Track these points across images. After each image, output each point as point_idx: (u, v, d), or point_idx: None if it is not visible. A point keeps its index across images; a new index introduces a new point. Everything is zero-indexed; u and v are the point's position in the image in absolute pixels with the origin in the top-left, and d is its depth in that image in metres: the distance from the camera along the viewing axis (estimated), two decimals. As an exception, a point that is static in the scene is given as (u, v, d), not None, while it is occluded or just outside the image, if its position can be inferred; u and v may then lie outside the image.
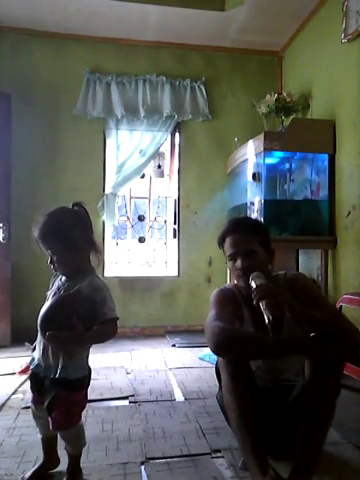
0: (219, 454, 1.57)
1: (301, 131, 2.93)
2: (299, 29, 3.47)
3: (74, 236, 1.31)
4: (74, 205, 1.39)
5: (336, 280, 2.90)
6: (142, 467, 1.48)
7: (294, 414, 1.31)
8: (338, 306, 2.26)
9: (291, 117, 3.19)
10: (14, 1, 3.13)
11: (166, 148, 3.92)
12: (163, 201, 4.03)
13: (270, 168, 3.13)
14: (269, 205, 2.93)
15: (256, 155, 3.02)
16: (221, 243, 1.53)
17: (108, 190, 3.63)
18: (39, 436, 1.43)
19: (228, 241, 1.49)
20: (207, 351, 2.82)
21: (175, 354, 3.02)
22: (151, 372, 2.59)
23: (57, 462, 1.44)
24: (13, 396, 2.17)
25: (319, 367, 1.29)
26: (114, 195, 3.62)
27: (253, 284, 1.32)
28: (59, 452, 1.44)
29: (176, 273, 3.80)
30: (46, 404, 1.29)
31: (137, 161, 3.67)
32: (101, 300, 1.29)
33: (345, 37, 2.75)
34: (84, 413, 1.40)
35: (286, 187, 3.34)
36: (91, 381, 1.38)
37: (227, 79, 3.86)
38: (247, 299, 1.38)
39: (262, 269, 1.42)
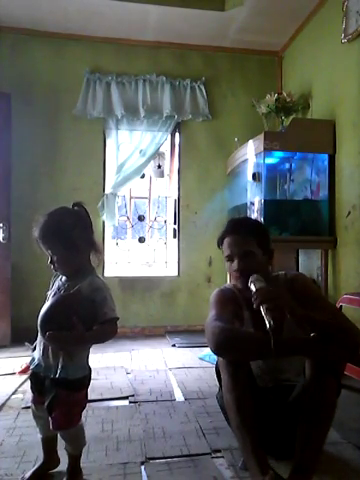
0: (219, 454, 1.57)
1: (301, 131, 2.93)
2: (299, 29, 3.47)
3: (74, 236, 1.30)
4: (74, 205, 1.39)
5: (336, 280, 2.90)
6: (142, 467, 1.48)
7: (294, 414, 1.31)
8: (338, 306, 2.26)
9: (291, 117, 3.19)
10: (14, 1, 3.13)
11: (166, 148, 3.92)
12: (163, 201, 4.03)
13: (270, 168, 3.13)
14: (269, 205, 2.93)
15: (256, 155, 3.02)
16: (220, 244, 1.53)
17: (108, 190, 3.63)
18: (39, 436, 1.43)
19: (226, 242, 1.49)
20: (207, 351, 2.82)
21: (175, 354, 3.02)
22: (151, 372, 2.59)
23: (57, 462, 1.44)
24: (13, 396, 2.17)
25: (320, 367, 1.29)
26: (114, 195, 3.62)
27: (253, 287, 1.31)
28: (59, 452, 1.44)
29: (176, 273, 3.80)
30: (46, 404, 1.29)
31: (137, 161, 3.67)
32: (101, 300, 1.29)
33: (345, 37, 2.75)
34: (84, 413, 1.40)
35: (286, 187, 3.34)
36: (91, 381, 1.38)
37: (227, 79, 3.86)
38: (247, 299, 1.38)
39: (259, 270, 1.41)
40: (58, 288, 1.37)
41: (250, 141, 3.10)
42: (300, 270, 3.40)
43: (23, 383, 2.33)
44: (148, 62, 3.71)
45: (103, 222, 3.63)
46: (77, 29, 3.52)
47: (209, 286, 3.72)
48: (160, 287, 3.75)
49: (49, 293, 1.40)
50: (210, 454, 1.57)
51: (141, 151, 3.69)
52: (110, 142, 3.70)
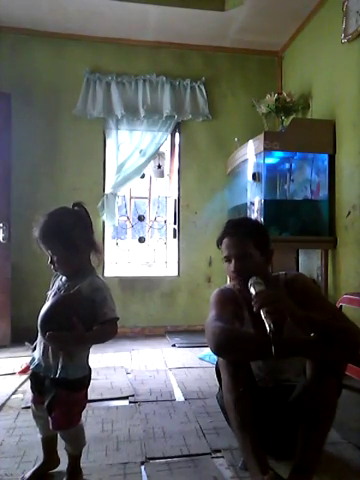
0: (219, 454, 1.57)
1: (301, 131, 2.93)
2: (299, 29, 3.47)
3: (74, 236, 1.30)
4: (74, 205, 1.39)
5: (336, 280, 2.90)
6: (142, 467, 1.48)
7: (294, 414, 1.31)
8: (338, 306, 2.26)
9: (291, 117, 3.19)
10: (14, 1, 3.13)
11: (166, 148, 3.92)
12: (163, 201, 4.03)
13: (270, 168, 3.13)
14: (269, 205, 2.93)
15: (256, 155, 3.02)
16: (219, 244, 1.53)
17: (108, 190, 3.63)
18: (39, 436, 1.43)
19: (224, 243, 1.49)
20: (207, 351, 2.82)
21: (175, 354, 3.02)
22: (151, 372, 2.59)
23: (57, 462, 1.44)
24: (13, 396, 2.17)
25: (320, 368, 1.29)
26: (114, 195, 3.62)
27: (252, 290, 1.31)
28: (59, 452, 1.44)
29: (176, 273, 3.80)
30: (46, 404, 1.29)
31: (137, 161, 3.67)
32: (101, 300, 1.29)
33: (345, 37, 2.75)
34: (84, 413, 1.40)
35: (286, 187, 3.34)
36: (91, 381, 1.38)
37: (227, 79, 3.86)
38: (247, 299, 1.38)
39: (257, 271, 1.41)
40: (58, 288, 1.37)
41: (250, 141, 3.10)
42: (300, 270, 3.40)
43: (23, 383, 2.33)
44: (148, 62, 3.71)
45: (103, 222, 3.63)
46: (77, 29, 3.52)
47: (209, 286, 3.72)
48: (160, 287, 3.75)
49: (49, 293, 1.40)
50: (210, 454, 1.57)
51: (141, 151, 3.69)
52: (110, 142, 3.70)
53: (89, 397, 1.42)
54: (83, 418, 1.40)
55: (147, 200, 4.01)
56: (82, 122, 3.59)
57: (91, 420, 1.85)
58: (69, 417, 1.30)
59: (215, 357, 1.50)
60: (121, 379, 2.44)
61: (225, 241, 1.49)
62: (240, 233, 1.47)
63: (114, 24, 3.45)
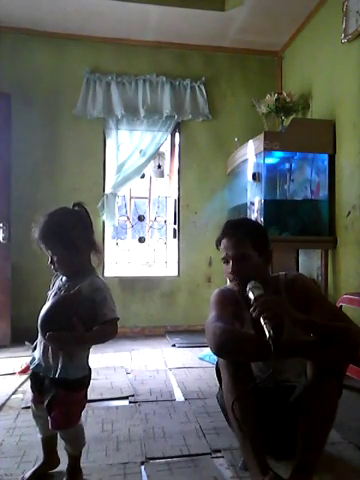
0: (219, 454, 1.57)
1: (301, 131, 2.93)
2: (299, 29, 3.47)
3: (74, 236, 1.30)
4: (74, 205, 1.39)
5: (336, 280, 2.90)
6: (142, 467, 1.48)
7: (295, 414, 1.31)
8: (338, 306, 2.26)
9: (291, 117, 3.19)
10: (14, 1, 3.13)
11: (166, 148, 3.92)
12: (163, 201, 4.03)
13: (270, 168, 3.13)
14: (269, 205, 2.93)
15: (256, 155, 3.02)
16: (218, 245, 1.53)
17: (108, 190, 3.63)
18: (39, 436, 1.43)
19: (222, 244, 1.49)
20: (207, 351, 2.82)
21: (175, 354, 3.02)
22: (151, 372, 2.59)
23: (57, 462, 1.44)
24: (13, 396, 2.17)
25: (321, 368, 1.29)
26: (114, 195, 3.62)
27: (251, 295, 1.30)
28: (59, 452, 1.44)
29: (176, 273, 3.80)
30: (46, 403, 1.29)
31: (137, 161, 3.67)
32: (101, 300, 1.29)
33: (345, 37, 2.75)
34: (84, 413, 1.40)
35: (286, 187, 3.34)
36: (91, 381, 1.38)
37: (227, 79, 3.86)
38: (247, 300, 1.38)
39: (255, 273, 1.41)
40: (59, 288, 1.37)
41: (250, 141, 3.10)
42: (300, 270, 3.40)
43: (23, 383, 2.33)
44: (148, 62, 3.71)
45: (103, 222, 3.63)
46: (77, 29, 3.52)
47: (209, 286, 3.72)
48: (160, 287, 3.75)
49: (50, 293, 1.41)
50: (210, 454, 1.57)
51: (141, 151, 3.69)
52: (110, 142, 3.70)
53: (89, 397, 1.42)
54: (83, 418, 1.40)
55: (147, 200, 4.01)
56: (82, 122, 3.59)
57: (91, 420, 1.85)
58: (68, 417, 1.30)
59: (215, 357, 1.50)
60: (121, 379, 2.44)
61: (223, 242, 1.48)
62: (238, 234, 1.47)
63: (114, 24, 3.45)
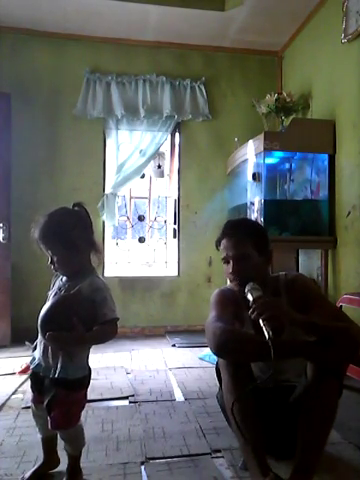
0: (219, 454, 1.57)
1: (301, 131, 2.93)
2: (299, 29, 3.47)
3: (74, 236, 1.30)
4: (74, 205, 1.39)
5: (336, 280, 2.90)
6: (142, 467, 1.48)
7: (295, 414, 1.31)
8: (338, 306, 2.26)
9: (291, 117, 3.19)
10: (14, 1, 3.13)
11: (166, 148, 3.92)
12: (163, 201, 4.03)
13: (270, 168, 3.13)
14: (269, 205, 2.93)
15: (256, 155, 3.02)
16: (218, 245, 1.53)
17: (108, 190, 3.63)
18: (39, 436, 1.44)
19: (222, 244, 1.49)
20: (207, 351, 2.82)
21: (175, 354, 3.02)
22: (151, 372, 2.59)
23: (57, 462, 1.45)
24: (13, 396, 2.17)
25: (321, 368, 1.28)
26: (114, 195, 3.62)
27: (250, 297, 1.30)
28: (59, 452, 1.44)
29: (176, 273, 3.80)
30: (45, 403, 1.29)
31: (137, 161, 3.67)
32: (101, 300, 1.29)
33: (345, 37, 2.75)
34: (84, 413, 1.40)
35: (286, 187, 3.34)
36: (91, 381, 1.38)
37: (227, 79, 3.86)
38: (247, 300, 1.38)
39: (255, 273, 1.41)
40: (59, 288, 1.37)
41: (250, 141, 3.10)
42: (300, 270, 3.40)
43: (23, 383, 2.33)
44: (148, 62, 3.71)
45: (103, 222, 3.63)
46: (77, 29, 3.52)
47: (209, 286, 3.72)
48: (160, 287, 3.75)
49: (50, 293, 1.41)
50: (210, 454, 1.57)
51: (141, 151, 3.69)
52: (110, 142, 3.70)
53: (89, 397, 1.43)
54: (83, 418, 1.40)
55: (147, 200, 4.01)
56: (82, 122, 3.59)
57: (91, 420, 1.85)
58: (68, 417, 1.30)
59: (215, 357, 1.50)
60: (121, 379, 2.44)
61: (223, 242, 1.48)
62: (239, 234, 1.47)
63: (114, 24, 3.45)
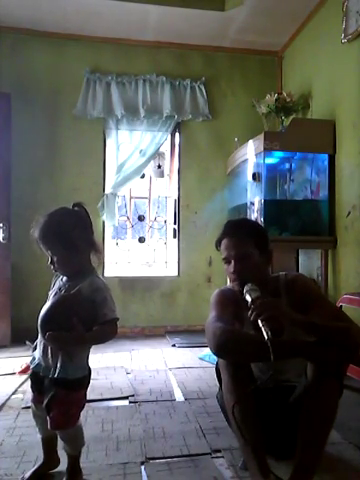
0: (219, 454, 1.57)
1: (301, 131, 2.93)
2: (299, 29, 3.47)
3: (74, 236, 1.31)
4: (74, 205, 1.39)
5: (336, 280, 2.90)
6: (142, 467, 1.48)
7: (295, 414, 1.30)
8: (338, 306, 2.26)
9: (291, 117, 3.19)
10: (14, 1, 3.13)
11: (166, 148, 3.92)
12: (163, 201, 4.03)
13: (270, 168, 3.13)
14: (269, 205, 2.93)
15: (256, 155, 3.02)
16: (218, 246, 1.53)
17: (108, 190, 3.63)
18: (39, 436, 1.44)
19: (223, 244, 1.49)
20: (207, 351, 2.82)
21: (175, 354, 3.02)
22: (151, 372, 2.59)
23: (57, 462, 1.45)
24: (13, 396, 2.17)
25: (321, 369, 1.28)
26: (114, 195, 3.62)
27: (248, 297, 1.30)
28: (59, 452, 1.44)
29: (176, 273, 3.80)
30: (45, 403, 1.29)
31: (137, 161, 3.67)
32: (101, 301, 1.29)
33: (345, 37, 2.75)
34: (84, 413, 1.40)
35: (286, 187, 3.34)
36: (91, 381, 1.38)
37: (227, 79, 3.86)
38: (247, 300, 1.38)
39: (257, 273, 1.42)
40: (59, 288, 1.37)
41: (250, 141, 3.10)
42: (300, 270, 3.40)
43: (23, 383, 2.33)
44: (148, 62, 3.71)
45: (103, 222, 3.63)
46: (76, 29, 3.52)
47: (209, 286, 3.72)
48: (160, 287, 3.75)
49: (50, 293, 1.41)
50: (210, 454, 1.57)
51: (141, 151, 3.69)
52: (110, 142, 3.70)
53: (89, 397, 1.43)
54: (83, 418, 1.40)
55: (147, 200, 4.01)
56: (82, 122, 3.59)
57: (91, 420, 1.85)
58: (67, 417, 1.30)
59: (215, 357, 1.49)
60: (121, 379, 2.44)
61: (224, 242, 1.48)
62: (240, 234, 1.47)
63: (114, 24, 3.45)
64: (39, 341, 1.35)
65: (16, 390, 2.24)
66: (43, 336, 1.23)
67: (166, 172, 3.93)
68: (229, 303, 1.48)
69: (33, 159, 3.51)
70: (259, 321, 1.20)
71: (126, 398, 2.15)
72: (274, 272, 1.60)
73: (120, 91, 3.60)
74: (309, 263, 3.32)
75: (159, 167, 3.85)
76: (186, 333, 3.59)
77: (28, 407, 1.73)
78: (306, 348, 1.28)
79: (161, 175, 3.91)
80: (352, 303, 2.27)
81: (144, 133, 3.71)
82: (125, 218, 3.90)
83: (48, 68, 3.58)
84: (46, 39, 3.56)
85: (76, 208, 1.39)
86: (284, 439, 1.40)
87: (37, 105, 3.54)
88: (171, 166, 3.95)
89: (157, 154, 3.78)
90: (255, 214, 3.00)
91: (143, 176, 3.85)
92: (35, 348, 1.39)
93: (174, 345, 3.26)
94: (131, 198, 3.97)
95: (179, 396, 2.20)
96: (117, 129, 3.67)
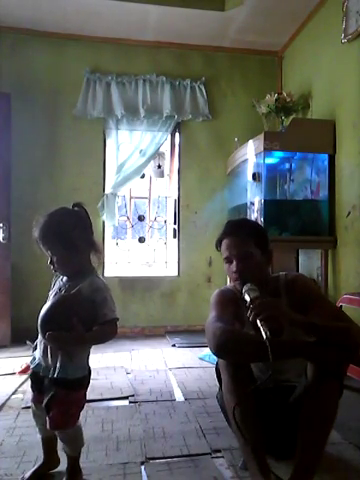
0: (219, 454, 1.57)
1: (301, 131, 2.93)
2: (299, 29, 3.47)
3: (74, 236, 1.31)
4: (74, 205, 1.39)
5: (336, 280, 2.90)
6: (142, 467, 1.48)
7: (295, 414, 1.30)
8: (338, 306, 2.26)
9: (291, 117, 3.19)
10: (14, 1, 3.13)
11: (166, 148, 3.92)
12: (163, 201, 4.03)
13: (270, 168, 3.13)
14: (269, 205, 2.93)
15: (256, 155, 3.02)
16: (218, 246, 1.53)
17: (108, 190, 3.63)
18: (39, 436, 1.44)
19: (224, 244, 1.49)
20: (207, 351, 2.82)
21: (175, 354, 3.02)
22: (151, 372, 2.59)
23: (57, 462, 1.45)
24: (13, 396, 2.17)
25: (321, 369, 1.28)
26: (114, 195, 3.62)
27: (247, 297, 1.30)
28: (59, 452, 1.44)
29: (176, 273, 3.80)
30: (44, 403, 1.29)
31: (137, 161, 3.67)
32: (101, 301, 1.29)
33: (345, 37, 2.75)
34: (84, 413, 1.40)
35: (286, 187, 3.34)
36: (91, 381, 1.38)
37: (227, 79, 3.86)
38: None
39: (258, 272, 1.42)
40: (59, 288, 1.37)
41: (250, 141, 3.10)
42: (300, 270, 3.40)
43: (23, 383, 2.33)
44: (148, 62, 3.71)
45: (103, 222, 3.63)
46: (76, 29, 3.52)
47: (209, 286, 3.72)
48: (160, 287, 3.75)
49: (50, 293, 1.41)
50: (210, 454, 1.57)
51: (141, 151, 3.69)
52: (110, 142, 3.70)
53: (89, 397, 1.43)
54: (83, 418, 1.40)
55: (147, 200, 4.01)
56: (82, 122, 3.59)
57: (91, 420, 1.85)
58: (67, 417, 1.30)
59: (215, 357, 1.49)
60: (121, 379, 2.44)
61: (226, 241, 1.48)
62: (241, 233, 1.47)
63: (114, 24, 3.45)
64: (39, 341, 1.35)
65: (16, 390, 2.24)
66: (43, 336, 1.23)
67: (166, 172, 3.93)
68: (229, 303, 1.48)
69: (33, 159, 3.51)
70: (258, 321, 1.20)
71: (126, 398, 2.15)
72: (274, 272, 1.60)
73: (120, 91, 3.60)
74: (309, 263, 3.32)
75: (159, 167, 3.85)
76: (186, 333, 3.59)
77: (28, 407, 1.73)
78: (306, 348, 1.28)
79: (161, 175, 3.91)
80: (352, 303, 2.27)
81: (144, 133, 3.71)
82: (125, 218, 3.91)
83: (48, 68, 3.58)
84: (46, 39, 3.56)
85: (76, 208, 1.39)
86: (284, 439, 1.40)
87: (37, 105, 3.54)
88: (171, 166, 3.95)
89: (157, 154, 3.78)
90: (255, 214, 3.00)
91: (143, 176, 3.85)
92: (35, 348, 1.39)
93: (174, 345, 3.26)
94: (131, 198, 3.97)
95: (179, 396, 2.20)
96: (117, 129, 3.67)
